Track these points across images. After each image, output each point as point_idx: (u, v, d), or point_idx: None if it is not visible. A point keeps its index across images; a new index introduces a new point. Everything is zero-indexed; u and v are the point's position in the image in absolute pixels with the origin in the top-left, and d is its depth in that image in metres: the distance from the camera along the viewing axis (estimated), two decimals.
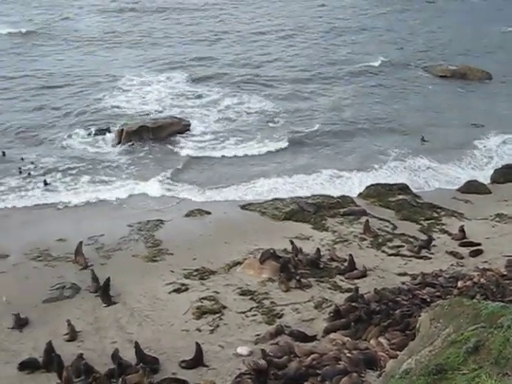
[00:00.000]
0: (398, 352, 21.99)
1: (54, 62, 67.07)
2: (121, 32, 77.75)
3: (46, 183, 42.84)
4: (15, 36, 75.68)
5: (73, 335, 27.10)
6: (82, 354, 25.07)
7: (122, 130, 50.09)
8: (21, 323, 28.20)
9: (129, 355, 25.12)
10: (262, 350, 24.34)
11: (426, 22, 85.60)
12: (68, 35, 76.02)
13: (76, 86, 60.59)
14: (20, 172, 44.22)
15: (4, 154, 47.00)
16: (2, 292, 30.26)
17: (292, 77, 63.32)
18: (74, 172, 45.06)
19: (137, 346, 25.14)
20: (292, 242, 34.15)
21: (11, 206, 40.30)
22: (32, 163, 45.45)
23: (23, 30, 76.92)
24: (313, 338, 25.98)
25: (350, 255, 32.30)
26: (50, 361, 24.96)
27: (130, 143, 49.08)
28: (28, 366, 25.12)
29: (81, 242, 34.23)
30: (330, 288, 30.39)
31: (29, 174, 44.00)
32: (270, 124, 53.02)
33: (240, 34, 76.47)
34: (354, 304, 27.49)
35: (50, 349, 25.37)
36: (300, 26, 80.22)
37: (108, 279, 30.81)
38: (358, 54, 70.58)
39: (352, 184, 43.55)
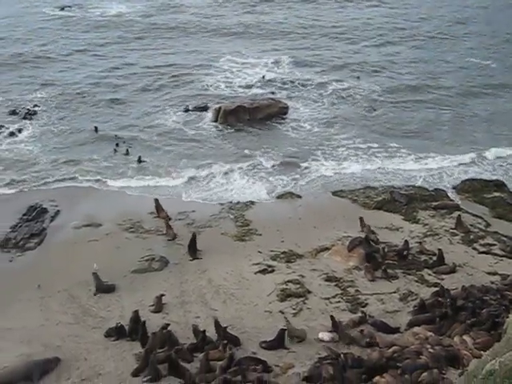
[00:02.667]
0: (482, 352, 21.58)
1: (161, 46, 68.46)
2: (229, 21, 78.16)
3: (140, 160, 43.53)
4: (127, 19, 77.78)
5: (158, 307, 27.69)
6: (167, 325, 25.58)
7: (220, 108, 50.44)
8: (101, 287, 29.22)
9: (212, 330, 25.51)
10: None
11: None
12: (177, 22, 77.08)
13: (177, 67, 61.78)
14: (115, 150, 45.06)
15: (96, 129, 48.08)
16: (93, 259, 31.16)
17: (405, 83, 59.45)
18: (169, 149, 45.73)
19: (224, 329, 25.39)
20: (361, 219, 34.63)
21: (106, 181, 41.22)
22: (124, 142, 46.30)
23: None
24: (395, 330, 25.74)
25: (440, 250, 31.80)
26: (136, 329, 25.57)
27: (226, 122, 49.38)
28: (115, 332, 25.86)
29: (157, 199, 36.63)
30: (416, 281, 30.01)
31: (127, 151, 44.73)
32: (368, 114, 52.24)
33: (358, 32, 75.25)
34: (440, 299, 27.09)
35: (136, 318, 25.98)
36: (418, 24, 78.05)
37: (194, 235, 32.77)
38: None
39: (448, 177, 42.41)
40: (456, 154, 45.21)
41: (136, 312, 26.26)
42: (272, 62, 62.92)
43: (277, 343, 24.97)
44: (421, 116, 52.07)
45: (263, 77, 58.70)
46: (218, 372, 22.77)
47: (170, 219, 35.60)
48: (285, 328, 25.53)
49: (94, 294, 28.98)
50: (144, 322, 25.58)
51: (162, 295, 28.11)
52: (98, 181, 40.99)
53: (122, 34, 72.38)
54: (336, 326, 25.72)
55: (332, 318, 26.03)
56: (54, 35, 71.47)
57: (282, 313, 27.35)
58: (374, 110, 52.47)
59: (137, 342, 25.17)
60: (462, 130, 49.60)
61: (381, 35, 73.70)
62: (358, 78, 59.58)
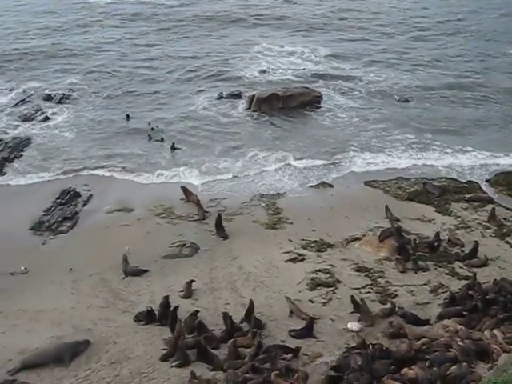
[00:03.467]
0: None
1: (198, 35, 68.33)
2: (266, 11, 77.52)
3: (173, 148, 43.61)
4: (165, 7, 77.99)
5: (188, 293, 27.85)
6: (197, 312, 25.73)
7: (253, 96, 50.36)
8: (127, 270, 29.68)
9: (240, 317, 25.75)
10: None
11: None
12: (213, 12, 76.51)
13: (213, 55, 61.80)
14: (149, 137, 45.15)
15: (128, 116, 48.29)
16: (124, 244, 31.44)
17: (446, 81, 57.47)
18: (201, 137, 45.64)
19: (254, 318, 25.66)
20: (386, 207, 34.97)
21: (139, 168, 41.26)
22: (157, 126, 46.46)
23: None
24: (425, 322, 25.59)
25: (476, 241, 31.54)
26: (165, 315, 25.74)
27: (259, 110, 49.26)
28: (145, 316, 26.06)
29: (183, 186, 37.30)
30: (447, 273, 29.79)
31: (162, 138, 44.81)
32: (403, 104, 51.77)
33: (397, 24, 73.83)
34: (470, 292, 26.88)
35: (166, 303, 26.14)
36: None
37: (219, 215, 33.63)
38: None
39: (482, 170, 41.92)
40: (496, 151, 44.20)
41: (166, 297, 26.43)
42: (308, 52, 62.53)
43: (305, 332, 25.03)
44: (461, 112, 51.04)
45: (303, 68, 58.23)
46: (247, 359, 22.90)
47: (200, 203, 35.96)
48: (314, 317, 25.65)
49: (123, 278, 29.37)
50: (176, 307, 25.75)
51: (192, 281, 28.26)
52: (128, 172, 40.80)
53: (159, 22, 72.19)
54: (357, 306, 26.43)
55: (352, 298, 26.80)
56: (92, 24, 71.53)
57: (312, 302, 27.41)
58: (408, 101, 51.95)
59: (166, 327, 25.34)
60: (507, 129, 48.36)
61: (421, 28, 72.09)
62: (398, 69, 58.81)
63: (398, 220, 34.36)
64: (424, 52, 64.30)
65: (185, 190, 37.11)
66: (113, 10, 77.32)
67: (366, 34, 69.52)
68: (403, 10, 79.53)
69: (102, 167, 40.94)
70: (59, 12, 75.89)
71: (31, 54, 60.98)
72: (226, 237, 33.05)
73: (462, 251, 31.71)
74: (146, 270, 29.89)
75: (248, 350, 23.54)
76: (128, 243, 31.58)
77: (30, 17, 73.97)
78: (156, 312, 26.07)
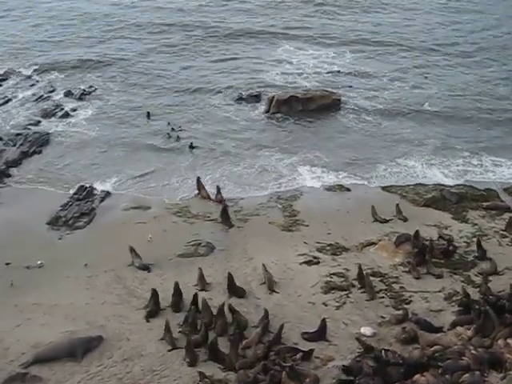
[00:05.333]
0: None
1: (223, 43, 66.77)
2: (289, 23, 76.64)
3: (191, 147, 43.68)
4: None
5: (202, 285, 28.46)
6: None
7: (273, 97, 50.21)
8: (135, 262, 30.29)
9: (255, 319, 25.93)
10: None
11: None
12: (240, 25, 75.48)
13: (238, 58, 61.10)
14: (168, 135, 45.21)
15: (149, 114, 48.39)
16: (140, 241, 31.70)
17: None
18: (220, 139, 45.42)
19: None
20: (397, 205, 35.52)
21: (155, 165, 41.32)
22: (179, 127, 46.46)
23: None
24: (438, 330, 25.50)
25: (478, 238, 32.12)
26: (178, 303, 26.55)
27: (278, 112, 49.07)
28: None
29: (198, 177, 37.76)
30: (462, 281, 29.62)
31: (178, 137, 44.87)
32: (423, 108, 51.42)
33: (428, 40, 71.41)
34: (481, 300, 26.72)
35: (177, 290, 26.88)
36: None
37: (225, 206, 34.73)
38: None
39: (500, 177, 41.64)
40: None
41: (177, 283, 27.21)
42: (332, 57, 61.59)
43: (318, 335, 25.04)
44: (491, 127, 49.06)
45: (328, 72, 57.85)
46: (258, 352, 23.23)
47: (211, 198, 36.89)
48: (325, 317, 25.81)
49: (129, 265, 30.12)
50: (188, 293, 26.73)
51: (200, 269, 28.90)
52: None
53: (188, 31, 70.81)
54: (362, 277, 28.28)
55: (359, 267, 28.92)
56: (122, 32, 69.98)
57: (326, 305, 27.40)
58: (432, 111, 51.15)
59: (178, 318, 25.80)
60: None
61: (453, 44, 68.58)
62: (426, 77, 57.99)
63: (405, 220, 35.09)
64: (456, 68, 61.91)
65: (199, 182, 37.41)
66: (145, 19, 76.03)
67: (397, 47, 66.92)
68: (436, 24, 77.01)
69: (120, 173, 40.31)
70: (92, 20, 74.34)
71: (61, 55, 60.35)
72: (231, 226, 34.14)
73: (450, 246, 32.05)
74: (149, 270, 30.12)
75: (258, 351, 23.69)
76: (143, 241, 31.80)
77: (65, 24, 72.72)
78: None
